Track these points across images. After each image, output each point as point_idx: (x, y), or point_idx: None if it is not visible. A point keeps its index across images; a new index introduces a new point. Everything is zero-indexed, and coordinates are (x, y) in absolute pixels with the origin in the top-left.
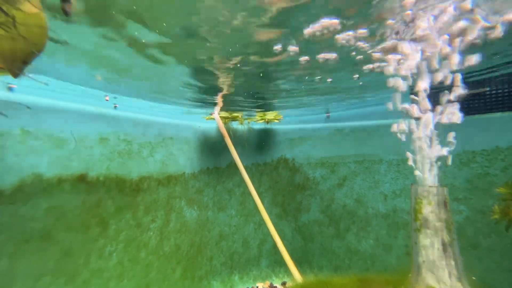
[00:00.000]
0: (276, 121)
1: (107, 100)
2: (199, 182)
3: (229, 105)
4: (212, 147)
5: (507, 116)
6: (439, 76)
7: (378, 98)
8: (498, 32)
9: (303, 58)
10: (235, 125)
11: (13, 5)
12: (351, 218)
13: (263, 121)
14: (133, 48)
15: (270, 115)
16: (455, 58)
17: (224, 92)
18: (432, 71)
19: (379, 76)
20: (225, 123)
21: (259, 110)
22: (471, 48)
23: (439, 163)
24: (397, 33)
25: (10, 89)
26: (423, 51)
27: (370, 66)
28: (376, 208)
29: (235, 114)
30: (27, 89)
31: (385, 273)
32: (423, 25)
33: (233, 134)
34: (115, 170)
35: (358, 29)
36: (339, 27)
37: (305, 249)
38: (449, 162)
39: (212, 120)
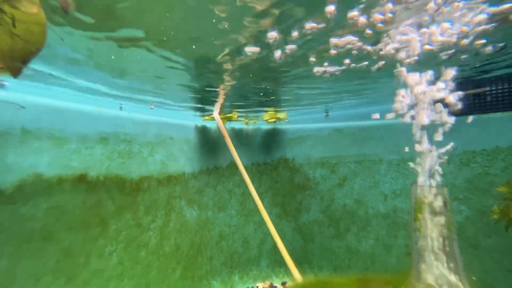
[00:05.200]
0: (285, 121)
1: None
2: (199, 182)
3: (230, 105)
4: (212, 147)
5: (507, 116)
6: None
7: (378, 97)
8: None
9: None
10: (236, 125)
11: (12, 3)
12: (351, 218)
13: (273, 121)
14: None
15: (280, 114)
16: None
17: (224, 92)
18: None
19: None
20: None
21: (265, 109)
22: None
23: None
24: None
25: (2, 86)
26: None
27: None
28: (376, 208)
29: (229, 115)
30: (24, 88)
31: (385, 273)
32: None
33: (233, 134)
34: (115, 170)
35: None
36: None
37: (305, 249)
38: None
39: (212, 120)
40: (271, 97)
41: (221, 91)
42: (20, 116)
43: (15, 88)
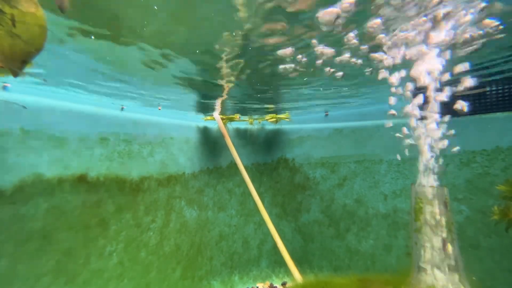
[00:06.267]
0: (287, 120)
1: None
2: (199, 182)
3: (230, 105)
4: (212, 147)
5: (507, 116)
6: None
7: (378, 97)
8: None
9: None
10: (239, 125)
11: (11, 3)
12: (351, 218)
13: (274, 120)
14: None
15: (281, 114)
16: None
17: (225, 92)
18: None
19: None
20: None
21: (266, 109)
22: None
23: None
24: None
25: (4, 88)
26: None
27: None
28: (376, 208)
29: (231, 115)
30: (26, 89)
31: (385, 273)
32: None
33: (234, 134)
34: (115, 170)
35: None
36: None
37: (305, 249)
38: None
39: (213, 120)
40: (271, 99)
41: (222, 92)
42: (20, 116)
43: (16, 89)
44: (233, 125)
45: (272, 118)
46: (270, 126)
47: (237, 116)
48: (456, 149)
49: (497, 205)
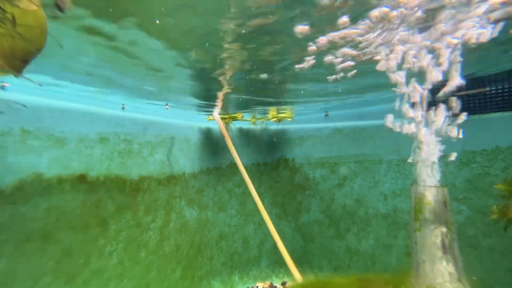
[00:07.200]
0: (288, 119)
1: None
2: (199, 182)
3: (230, 104)
4: (212, 147)
5: (507, 116)
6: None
7: (378, 97)
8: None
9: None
10: (242, 125)
11: (12, 2)
12: (351, 218)
13: (277, 119)
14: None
15: (283, 113)
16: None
17: (225, 90)
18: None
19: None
20: (225, 123)
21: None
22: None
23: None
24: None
25: (3, 87)
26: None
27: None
28: (376, 208)
29: (233, 114)
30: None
31: (385, 273)
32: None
33: (235, 134)
34: (115, 170)
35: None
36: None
37: (305, 249)
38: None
39: (213, 120)
40: (271, 96)
41: (221, 92)
42: (20, 116)
43: (16, 88)
44: (236, 126)
45: (274, 117)
46: (271, 126)
47: (240, 115)
48: (453, 157)
49: (497, 204)
